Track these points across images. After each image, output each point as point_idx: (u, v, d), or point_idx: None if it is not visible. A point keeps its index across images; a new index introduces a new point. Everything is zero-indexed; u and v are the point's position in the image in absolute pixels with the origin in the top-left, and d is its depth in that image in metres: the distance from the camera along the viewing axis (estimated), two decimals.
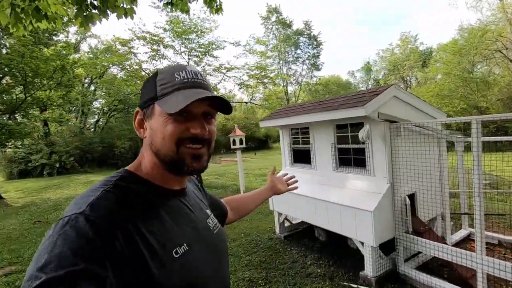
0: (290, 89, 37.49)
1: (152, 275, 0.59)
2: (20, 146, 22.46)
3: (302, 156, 4.92)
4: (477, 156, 2.74)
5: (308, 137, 4.60)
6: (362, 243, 3.50)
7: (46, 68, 11.59)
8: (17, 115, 15.05)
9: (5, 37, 11.96)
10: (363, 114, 3.14)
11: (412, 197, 3.64)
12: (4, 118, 12.74)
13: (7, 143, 14.92)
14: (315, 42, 34.13)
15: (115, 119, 34.13)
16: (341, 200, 3.70)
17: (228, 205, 1.25)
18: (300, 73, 33.90)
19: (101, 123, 33.25)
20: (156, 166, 0.74)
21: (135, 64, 10.03)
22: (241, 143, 8.56)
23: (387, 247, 3.60)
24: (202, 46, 10.39)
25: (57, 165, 24.04)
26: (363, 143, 3.60)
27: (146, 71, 10.22)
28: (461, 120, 3.05)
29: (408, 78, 43.34)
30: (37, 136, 24.62)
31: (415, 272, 3.37)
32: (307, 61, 34.33)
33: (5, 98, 13.25)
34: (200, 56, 10.75)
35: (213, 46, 10.25)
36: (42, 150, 23.99)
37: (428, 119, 3.92)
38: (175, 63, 10.40)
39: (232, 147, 8.56)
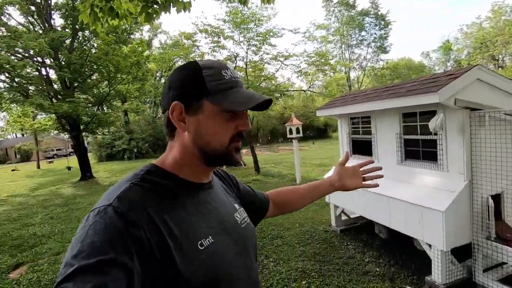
0: (353, 75, 35.21)
1: (178, 268, 0.60)
2: (106, 133, 26.11)
3: (362, 147, 4.60)
4: None
5: (370, 127, 4.26)
6: (430, 246, 3.14)
7: (125, 64, 13.09)
8: (104, 106, 17.45)
9: (93, 38, 13.79)
10: (436, 101, 2.75)
11: (497, 198, 3.10)
12: (94, 109, 14.88)
13: (97, 131, 17.50)
14: (382, 22, 31.06)
15: None
16: (406, 196, 3.36)
17: (273, 199, 1.20)
18: (364, 57, 31.45)
19: None
20: (190, 160, 0.75)
21: (197, 56, 10.57)
22: (297, 132, 8.43)
23: (462, 253, 3.16)
24: (260, 35, 10.39)
25: (135, 150, 27.32)
26: (435, 134, 3.18)
27: None
28: None
29: (500, 56, 36.71)
30: (119, 125, 28.33)
31: (497, 284, 2.90)
32: (372, 44, 31.59)
33: (94, 92, 15.47)
34: (258, 45, 10.78)
35: (271, 34, 10.15)
36: (123, 136, 27.50)
37: None
38: (234, 54, 10.67)
39: (289, 136, 8.49)
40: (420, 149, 3.56)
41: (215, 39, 10.42)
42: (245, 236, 0.83)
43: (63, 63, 13.50)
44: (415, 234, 3.27)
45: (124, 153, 27.20)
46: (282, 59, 10.40)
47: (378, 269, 3.59)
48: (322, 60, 10.10)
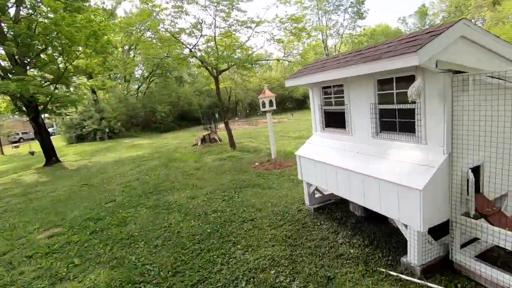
0: (330, 42, 34.39)
1: None
2: (73, 114, 24.33)
3: (335, 120, 4.20)
4: None
5: (343, 97, 3.83)
6: (406, 226, 2.88)
7: (80, 36, 11.68)
8: (63, 85, 15.92)
9: (39, 5, 12.13)
10: (416, 63, 2.32)
11: (477, 170, 2.84)
12: (51, 88, 13.48)
13: (59, 111, 16.08)
14: None
15: (155, 85, 35.17)
16: (381, 173, 3.03)
17: None
18: (341, 23, 30.52)
19: (142, 89, 34.53)
20: None
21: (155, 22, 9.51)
22: (271, 105, 7.93)
23: (438, 230, 2.94)
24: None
25: (107, 130, 25.89)
26: (413, 102, 2.80)
27: (168, 31, 9.68)
28: None
29: (473, 20, 36.99)
30: (88, 104, 26.50)
31: (475, 262, 2.71)
32: (349, 9, 30.59)
33: (51, 68, 13.94)
34: (227, 11, 9.83)
35: None
36: (93, 116, 25.83)
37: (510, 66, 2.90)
38: (199, 20, 9.67)
39: (262, 109, 7.98)
40: (397, 120, 3.20)
41: (178, 3, 9.35)
42: None
43: (9, 35, 11.89)
44: (391, 214, 2.99)
45: (96, 134, 25.75)
46: (253, 25, 9.55)
47: (352, 251, 3.35)
48: (297, 25, 9.36)
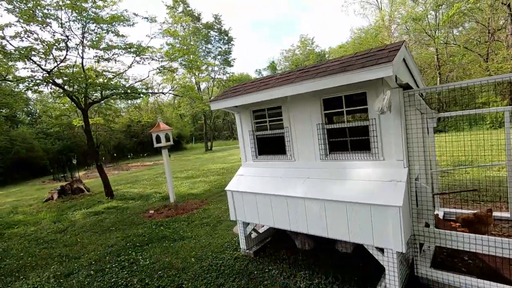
0: (203, 86, 35.87)
1: None
2: None
3: (271, 146, 3.83)
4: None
5: (280, 120, 3.53)
6: (382, 250, 2.66)
7: None
8: None
9: None
10: (390, 73, 2.26)
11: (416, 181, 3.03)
12: None
13: None
14: (226, 37, 33.34)
15: None
16: (345, 196, 2.77)
17: None
18: (212, 68, 32.51)
19: None
20: None
21: None
22: (167, 139, 6.84)
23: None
24: (104, 20, 8.00)
25: None
26: (382, 113, 2.74)
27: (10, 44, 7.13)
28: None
29: None
30: None
31: (438, 272, 2.73)
32: (218, 57, 33.23)
33: None
34: (101, 33, 8.31)
35: (120, 19, 7.97)
36: None
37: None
38: (63, 37, 7.66)
39: (156, 145, 6.75)
40: (348, 139, 3.12)
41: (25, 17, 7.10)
42: None
43: None
44: (364, 240, 2.72)
45: None
46: (135, 52, 8.36)
47: None
48: (190, 58, 8.89)
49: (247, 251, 3.87)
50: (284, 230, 3.78)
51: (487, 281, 2.48)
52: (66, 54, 7.55)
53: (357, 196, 2.70)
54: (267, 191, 3.42)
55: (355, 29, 33.13)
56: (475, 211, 3.63)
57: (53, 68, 7.74)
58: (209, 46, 32.54)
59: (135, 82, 9.17)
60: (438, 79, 22.46)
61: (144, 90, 9.02)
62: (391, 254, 2.59)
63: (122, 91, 8.10)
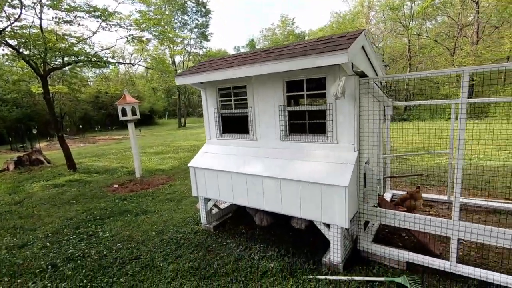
0: (177, 59, 34.43)
1: None
2: None
3: (235, 125, 3.88)
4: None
5: (244, 99, 3.57)
6: (329, 226, 2.89)
7: None
8: None
9: None
10: (345, 60, 2.36)
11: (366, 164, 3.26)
12: None
13: None
14: (203, 10, 31.86)
15: None
16: (300, 175, 2.94)
17: None
18: (188, 42, 31.16)
19: None
20: None
21: None
22: (134, 113, 6.63)
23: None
24: None
25: None
26: (337, 99, 2.87)
27: None
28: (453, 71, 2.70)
29: None
30: None
31: (376, 246, 3.04)
32: (195, 30, 31.84)
33: None
34: None
35: None
36: None
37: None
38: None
39: (122, 118, 6.53)
40: (307, 122, 3.25)
41: None
42: None
43: None
44: (313, 216, 2.93)
45: None
46: (102, 17, 7.78)
47: (272, 265, 3.04)
48: (161, 29, 8.43)
49: (207, 225, 4.00)
50: (244, 206, 3.93)
51: (415, 253, 2.81)
52: (21, 13, 6.87)
53: (310, 176, 2.88)
54: (228, 169, 3.51)
55: (335, 13, 33.15)
56: (408, 190, 4.07)
57: (6, 27, 7.04)
58: (186, 17, 31.00)
59: (102, 50, 8.62)
60: (408, 69, 23.41)
61: (110, 59, 8.49)
62: (336, 230, 2.83)
63: (86, 59, 7.59)
